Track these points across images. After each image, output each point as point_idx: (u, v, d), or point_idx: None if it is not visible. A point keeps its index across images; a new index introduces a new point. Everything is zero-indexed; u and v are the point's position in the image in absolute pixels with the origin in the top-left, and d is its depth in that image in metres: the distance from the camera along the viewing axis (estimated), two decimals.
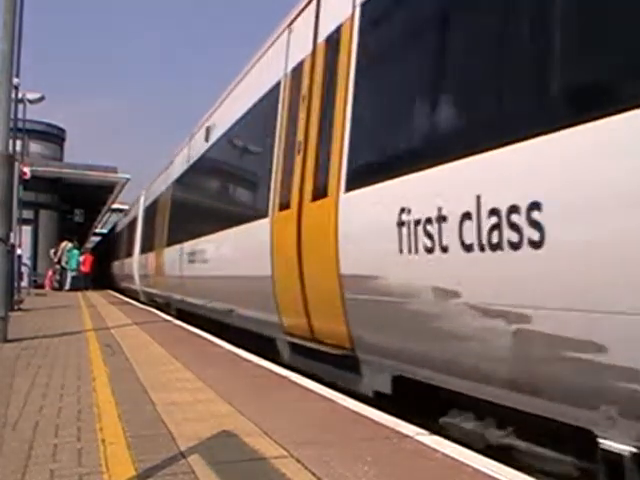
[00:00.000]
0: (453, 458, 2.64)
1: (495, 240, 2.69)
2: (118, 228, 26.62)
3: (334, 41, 4.61)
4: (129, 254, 18.97)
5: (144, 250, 15.93)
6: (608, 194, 2.25)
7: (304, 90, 5.12)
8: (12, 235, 8.43)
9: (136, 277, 17.11)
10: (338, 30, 4.54)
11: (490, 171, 2.80)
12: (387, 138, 3.96)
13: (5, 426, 3.17)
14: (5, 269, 6.82)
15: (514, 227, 2.58)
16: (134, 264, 17.44)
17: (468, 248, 2.85)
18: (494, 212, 2.70)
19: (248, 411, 3.51)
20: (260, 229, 5.74)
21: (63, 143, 31.47)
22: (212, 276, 7.97)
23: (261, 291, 5.65)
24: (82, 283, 22.73)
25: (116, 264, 24.22)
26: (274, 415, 3.44)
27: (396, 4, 4.03)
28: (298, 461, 2.60)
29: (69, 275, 22.14)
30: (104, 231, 40.99)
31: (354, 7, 4.27)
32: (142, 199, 17.75)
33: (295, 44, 5.55)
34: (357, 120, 4.15)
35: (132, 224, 19.42)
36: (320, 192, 4.52)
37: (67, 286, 21.87)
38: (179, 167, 11.81)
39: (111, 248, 27.33)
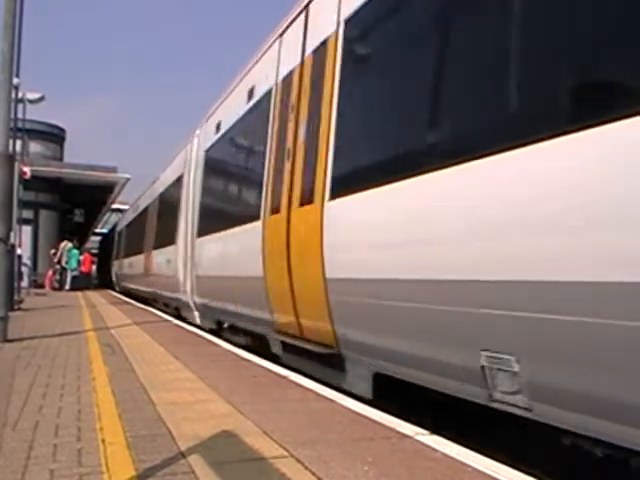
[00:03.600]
0: (453, 458, 2.64)
1: None
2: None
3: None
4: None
5: None
6: None
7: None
8: (12, 235, 8.44)
9: None
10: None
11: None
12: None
13: (5, 426, 3.17)
14: (5, 269, 6.82)
15: None
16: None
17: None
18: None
19: (248, 411, 3.51)
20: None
21: (63, 143, 31.41)
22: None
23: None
24: (82, 283, 22.73)
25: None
26: (274, 415, 3.44)
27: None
28: (298, 461, 2.60)
29: (69, 275, 22.14)
30: (104, 231, 40.94)
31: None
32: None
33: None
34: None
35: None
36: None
37: (67, 286, 21.87)
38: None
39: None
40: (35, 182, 18.67)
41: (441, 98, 3.46)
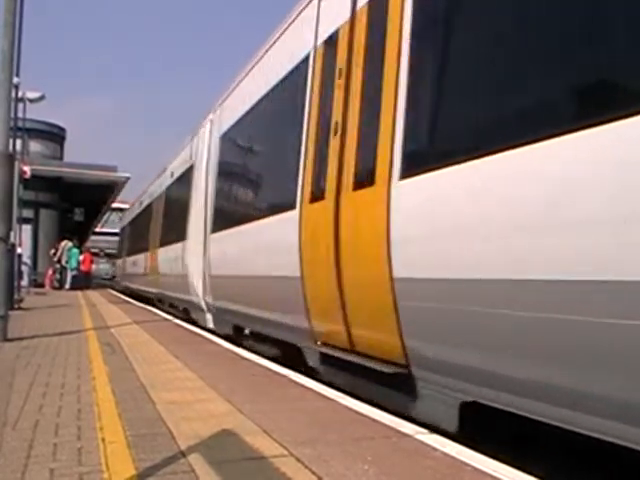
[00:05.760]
0: (453, 457, 2.64)
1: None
2: None
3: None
4: None
5: None
6: None
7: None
8: (12, 234, 8.44)
9: None
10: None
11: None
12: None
13: (5, 425, 3.17)
14: (5, 268, 6.82)
15: None
16: None
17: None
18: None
19: (248, 410, 3.51)
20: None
21: (63, 142, 31.41)
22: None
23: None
24: (82, 282, 22.75)
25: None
26: (274, 414, 3.44)
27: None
28: (298, 460, 2.60)
29: (69, 274, 22.15)
30: (105, 230, 40.94)
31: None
32: None
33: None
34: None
35: None
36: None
37: (67, 285, 21.88)
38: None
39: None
40: (35, 181, 18.67)
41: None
